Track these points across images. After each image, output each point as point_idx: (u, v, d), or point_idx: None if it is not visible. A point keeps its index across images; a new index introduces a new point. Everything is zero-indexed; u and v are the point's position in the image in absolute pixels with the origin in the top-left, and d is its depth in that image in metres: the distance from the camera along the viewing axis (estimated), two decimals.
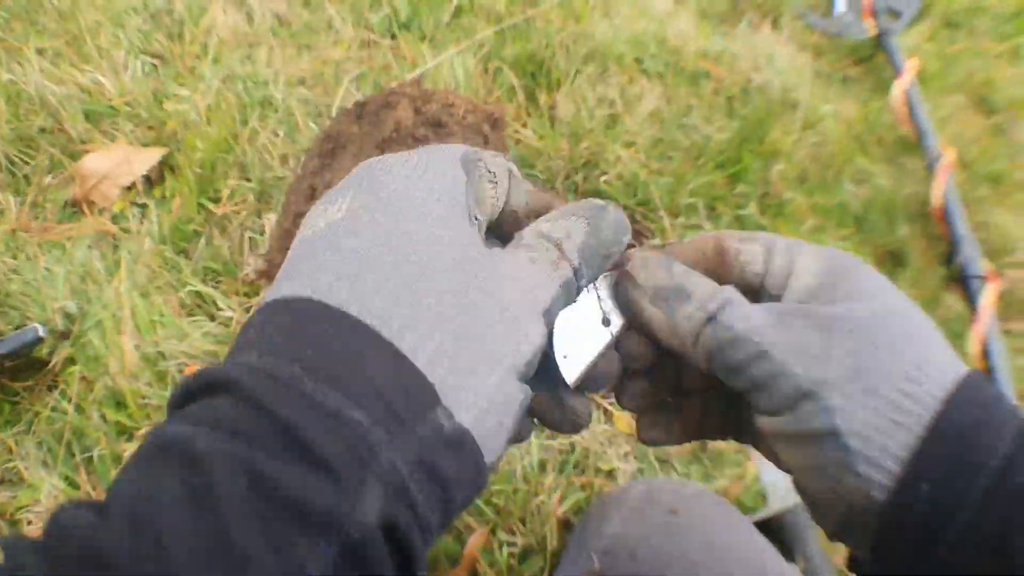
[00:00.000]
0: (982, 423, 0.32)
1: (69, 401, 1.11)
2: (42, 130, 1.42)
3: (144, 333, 1.16)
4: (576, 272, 0.38)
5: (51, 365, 1.15)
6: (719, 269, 0.42)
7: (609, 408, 1.18)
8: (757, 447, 0.45)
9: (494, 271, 0.34)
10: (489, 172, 0.39)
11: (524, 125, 1.46)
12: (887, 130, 1.67)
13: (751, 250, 0.41)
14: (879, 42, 1.83)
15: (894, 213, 1.52)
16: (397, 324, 0.31)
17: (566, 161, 1.40)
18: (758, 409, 0.38)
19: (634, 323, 0.42)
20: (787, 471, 0.40)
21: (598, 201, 0.41)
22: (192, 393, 0.31)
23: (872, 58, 1.85)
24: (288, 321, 0.31)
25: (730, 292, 0.38)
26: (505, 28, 1.61)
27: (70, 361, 1.15)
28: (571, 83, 1.52)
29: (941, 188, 1.50)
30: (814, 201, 1.50)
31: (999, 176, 1.62)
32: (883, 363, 0.34)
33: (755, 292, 0.41)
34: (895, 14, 1.96)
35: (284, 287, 0.33)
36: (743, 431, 0.46)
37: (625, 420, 1.17)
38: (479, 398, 0.32)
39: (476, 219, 0.37)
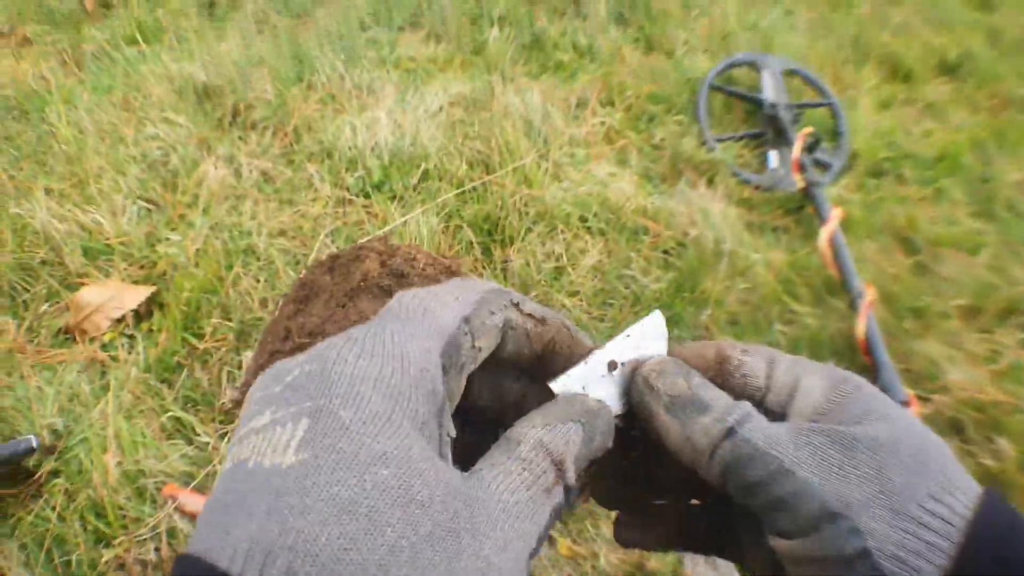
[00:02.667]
0: (1012, 538, 0.32)
1: (52, 510, 1.20)
2: (43, 262, 1.56)
3: (127, 452, 1.27)
4: (569, 492, 0.33)
5: (36, 476, 1.24)
6: (718, 379, 0.40)
7: (551, 535, 1.29)
8: (745, 564, 0.42)
9: (473, 520, 0.28)
10: (475, 348, 0.34)
11: (480, 277, 1.62)
12: (815, 273, 1.81)
13: (753, 363, 0.40)
14: (807, 193, 1.99)
15: (821, 348, 1.65)
16: None
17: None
18: (775, 530, 0.35)
19: (647, 429, 0.40)
20: None
21: (592, 403, 0.37)
22: None
23: (802, 209, 2.01)
24: None
25: (748, 407, 0.36)
26: (465, 191, 1.80)
27: (53, 474, 1.25)
28: (522, 240, 1.70)
29: (863, 322, 1.63)
30: (745, 341, 1.64)
31: (922, 310, 1.76)
32: (908, 482, 0.33)
33: (756, 408, 0.39)
34: (824, 167, 2.14)
35: (210, 533, 0.26)
36: (726, 546, 0.43)
37: (566, 545, 1.28)
38: None
39: (448, 436, 0.31)
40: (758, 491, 0.34)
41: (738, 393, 0.39)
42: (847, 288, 1.74)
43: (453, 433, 0.32)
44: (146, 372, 1.40)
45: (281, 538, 0.24)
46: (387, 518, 0.26)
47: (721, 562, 1.34)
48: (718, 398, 0.37)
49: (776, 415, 0.38)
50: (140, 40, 2.29)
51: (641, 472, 0.44)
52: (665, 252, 1.79)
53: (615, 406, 0.40)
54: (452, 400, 0.33)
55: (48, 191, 1.71)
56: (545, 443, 0.33)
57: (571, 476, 0.33)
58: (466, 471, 0.31)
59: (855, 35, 2.96)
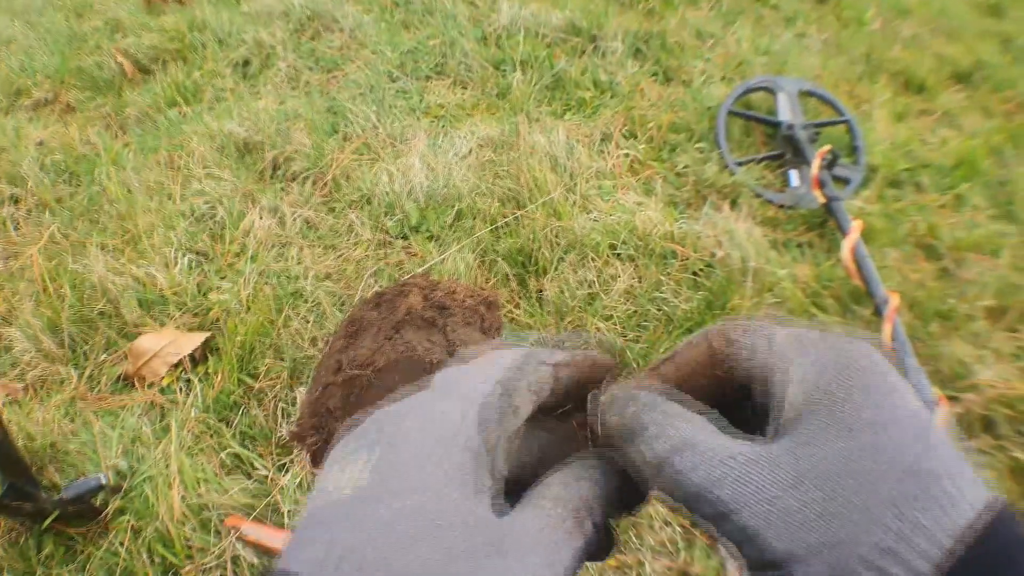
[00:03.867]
0: None
1: (121, 544, 1.27)
2: (101, 314, 1.65)
3: (189, 488, 1.34)
4: (596, 531, 0.35)
5: (103, 515, 1.31)
6: (716, 377, 0.39)
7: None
8: None
9: (501, 546, 0.31)
10: (512, 407, 0.36)
11: (517, 306, 1.70)
12: (840, 285, 1.85)
13: (739, 356, 0.38)
14: (828, 209, 2.03)
15: None
16: None
17: (553, 335, 1.62)
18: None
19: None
20: None
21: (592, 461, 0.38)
22: None
23: (824, 224, 2.05)
24: None
25: (689, 432, 0.35)
26: (498, 227, 1.88)
27: (119, 512, 1.32)
28: (555, 269, 1.77)
29: (889, 328, 1.67)
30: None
31: (948, 312, 1.79)
32: (856, 531, 0.29)
33: (764, 397, 0.37)
34: (843, 182, 2.18)
35: (298, 554, 0.29)
36: None
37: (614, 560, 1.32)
38: None
39: (485, 488, 0.33)
40: (711, 526, 0.33)
41: (741, 383, 0.38)
42: (872, 296, 1.78)
43: (489, 482, 0.33)
44: (205, 412, 1.47)
45: (334, 551, 0.28)
46: (420, 536, 0.29)
47: None
48: (655, 422, 0.36)
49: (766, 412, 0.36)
50: (180, 102, 2.40)
51: None
52: (694, 274, 1.83)
53: None
54: (493, 452, 0.34)
55: (102, 247, 1.80)
56: (561, 496, 0.34)
57: (590, 518, 0.34)
58: None
59: (867, 52, 3.01)
